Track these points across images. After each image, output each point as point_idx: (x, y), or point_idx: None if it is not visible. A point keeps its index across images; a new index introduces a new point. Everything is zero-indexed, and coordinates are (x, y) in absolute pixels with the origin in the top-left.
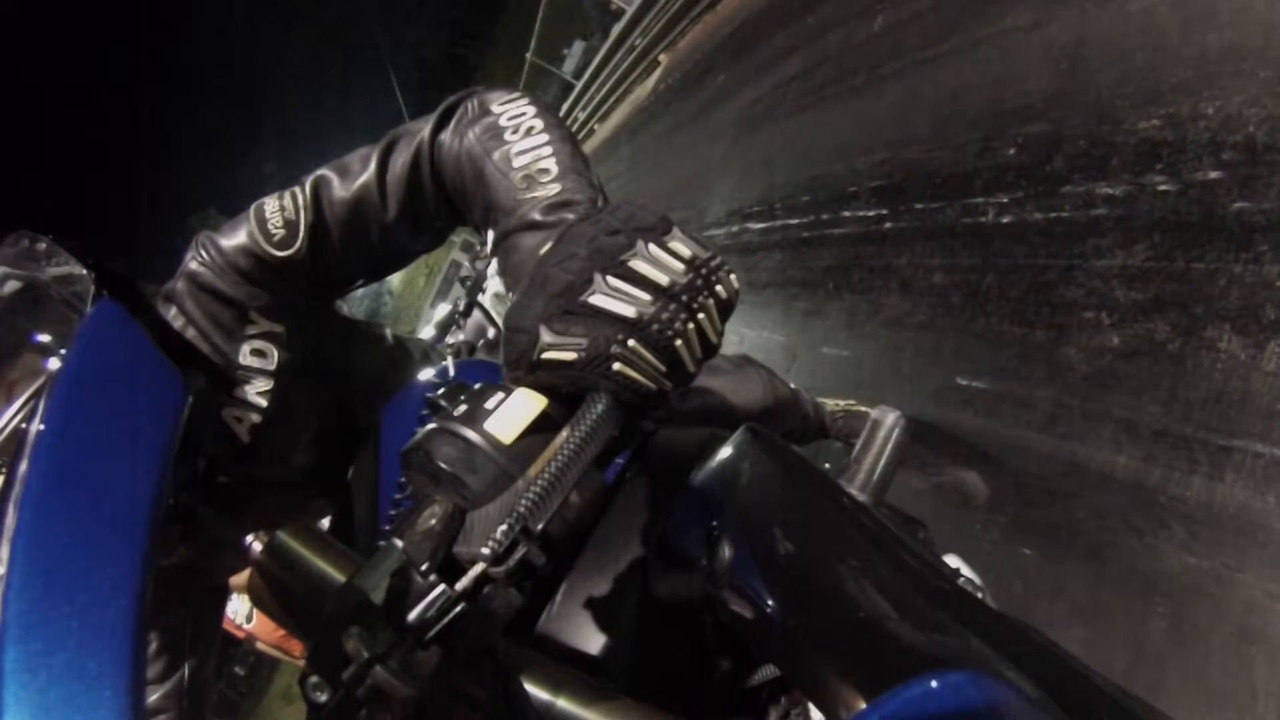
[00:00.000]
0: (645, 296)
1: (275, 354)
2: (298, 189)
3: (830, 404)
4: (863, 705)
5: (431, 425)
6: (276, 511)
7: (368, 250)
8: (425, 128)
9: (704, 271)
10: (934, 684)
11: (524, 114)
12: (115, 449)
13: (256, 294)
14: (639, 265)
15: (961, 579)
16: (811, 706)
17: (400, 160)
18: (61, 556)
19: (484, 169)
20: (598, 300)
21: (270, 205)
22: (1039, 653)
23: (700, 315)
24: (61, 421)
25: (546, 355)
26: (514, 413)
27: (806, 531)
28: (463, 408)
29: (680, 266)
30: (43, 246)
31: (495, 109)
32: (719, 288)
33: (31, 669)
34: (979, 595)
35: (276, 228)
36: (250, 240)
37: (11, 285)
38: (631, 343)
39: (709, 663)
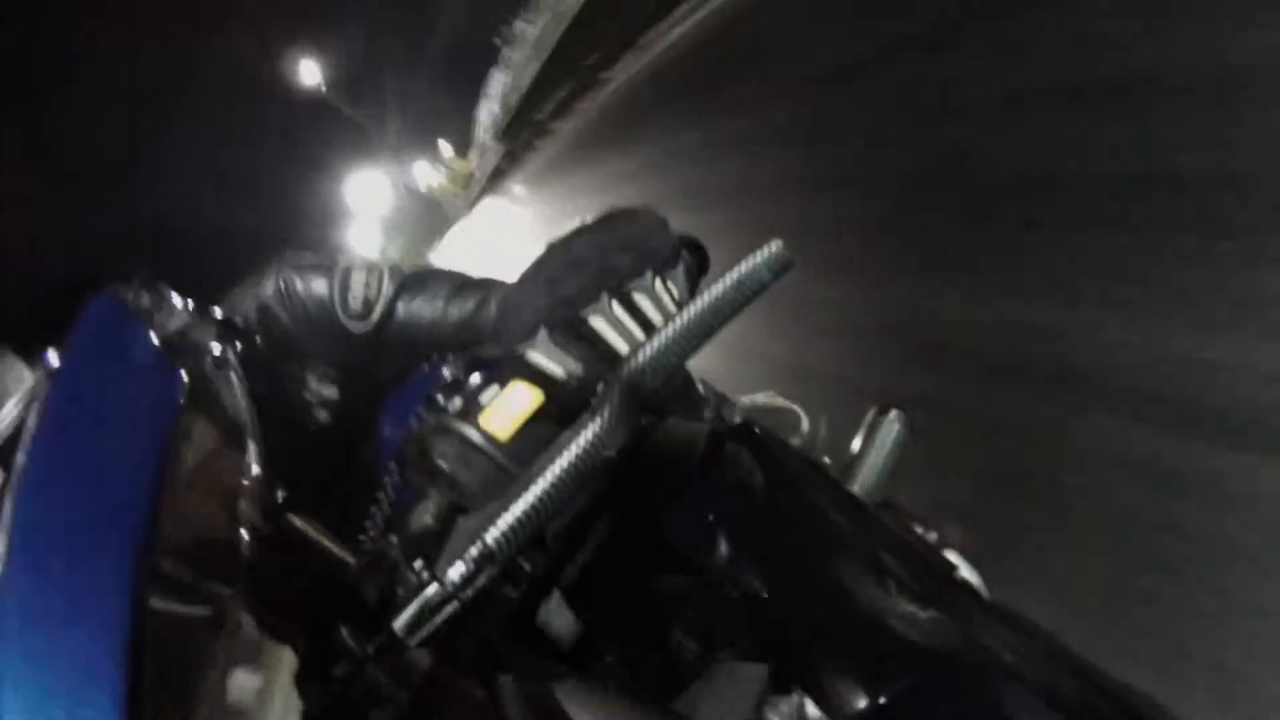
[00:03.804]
0: (639, 335)
1: (332, 377)
2: (386, 274)
3: (745, 399)
4: (861, 702)
5: (428, 421)
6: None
7: (421, 345)
8: None
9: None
10: (933, 681)
11: None
12: (114, 443)
13: (316, 336)
14: (641, 300)
15: (959, 574)
16: (809, 703)
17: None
18: (59, 550)
19: None
20: (599, 325)
21: (357, 277)
22: (1038, 649)
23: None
24: (59, 415)
25: (536, 362)
26: (510, 407)
27: (804, 528)
28: (458, 403)
29: (673, 310)
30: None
31: None
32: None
33: (30, 663)
34: (977, 591)
35: (355, 300)
36: (328, 299)
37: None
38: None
39: (707, 659)
